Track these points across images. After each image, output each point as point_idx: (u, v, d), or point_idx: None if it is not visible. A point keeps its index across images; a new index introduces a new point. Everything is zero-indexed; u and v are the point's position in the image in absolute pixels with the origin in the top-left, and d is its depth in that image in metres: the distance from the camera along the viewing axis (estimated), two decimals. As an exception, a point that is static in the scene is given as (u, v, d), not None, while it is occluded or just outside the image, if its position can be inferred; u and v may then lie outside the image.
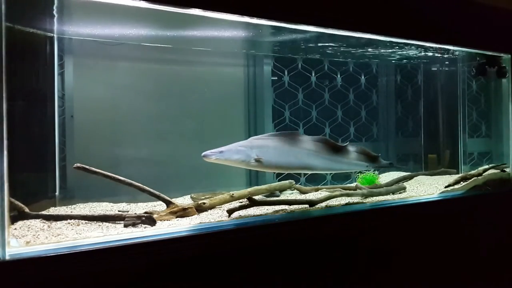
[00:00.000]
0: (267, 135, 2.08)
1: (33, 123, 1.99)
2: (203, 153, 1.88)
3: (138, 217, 1.67)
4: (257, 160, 1.93)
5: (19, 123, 1.72)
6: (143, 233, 1.57)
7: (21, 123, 1.78)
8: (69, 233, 1.54)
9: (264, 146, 1.99)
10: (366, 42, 2.49)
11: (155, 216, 1.72)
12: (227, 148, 1.93)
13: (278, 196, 2.36)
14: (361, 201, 2.23)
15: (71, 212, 1.90)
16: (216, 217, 1.82)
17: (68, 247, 1.40)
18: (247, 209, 1.91)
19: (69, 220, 1.66)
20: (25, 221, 1.62)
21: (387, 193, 2.40)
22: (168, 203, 1.85)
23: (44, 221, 1.65)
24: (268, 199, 2.21)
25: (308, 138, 2.13)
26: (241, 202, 2.00)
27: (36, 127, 2.02)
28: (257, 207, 1.94)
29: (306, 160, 2.10)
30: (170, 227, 1.66)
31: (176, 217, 1.80)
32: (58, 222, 1.65)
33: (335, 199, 2.17)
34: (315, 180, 2.91)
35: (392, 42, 2.49)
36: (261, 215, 1.90)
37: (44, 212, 1.72)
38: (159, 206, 1.96)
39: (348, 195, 2.25)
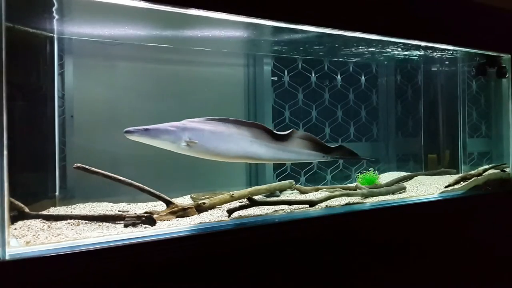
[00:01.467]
0: (204, 118, 1.92)
1: (33, 123, 1.99)
2: (126, 129, 1.74)
3: (138, 217, 1.67)
4: (189, 144, 1.81)
5: (19, 123, 1.72)
6: (143, 233, 1.57)
7: (21, 123, 1.79)
8: (69, 233, 1.54)
9: (199, 129, 1.86)
10: (367, 42, 2.49)
11: (155, 216, 1.72)
12: (154, 127, 1.80)
13: (278, 196, 2.35)
14: (361, 201, 2.23)
15: (71, 212, 1.90)
16: (216, 217, 1.82)
17: (68, 247, 1.40)
18: (247, 209, 1.91)
19: (69, 220, 1.66)
20: (25, 221, 1.62)
21: (387, 193, 2.40)
22: (168, 203, 1.85)
23: (44, 221, 1.65)
24: (268, 199, 2.21)
25: (252, 126, 1.99)
26: (241, 202, 2.00)
27: (36, 127, 2.02)
28: (257, 207, 1.94)
29: (249, 148, 1.96)
30: (170, 227, 1.66)
31: (176, 217, 1.80)
32: (58, 222, 1.65)
33: (335, 199, 2.17)
34: (315, 180, 2.91)
35: (392, 42, 2.49)
36: (261, 215, 1.90)
37: (44, 212, 1.73)
38: (159, 206, 1.96)
39: (348, 195, 2.25)
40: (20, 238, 1.46)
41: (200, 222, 1.72)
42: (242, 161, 2.01)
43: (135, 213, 1.71)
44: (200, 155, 1.90)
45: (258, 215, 1.89)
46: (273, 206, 1.99)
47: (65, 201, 2.03)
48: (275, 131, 2.05)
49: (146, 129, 1.77)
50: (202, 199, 2.14)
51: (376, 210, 2.14)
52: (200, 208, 1.91)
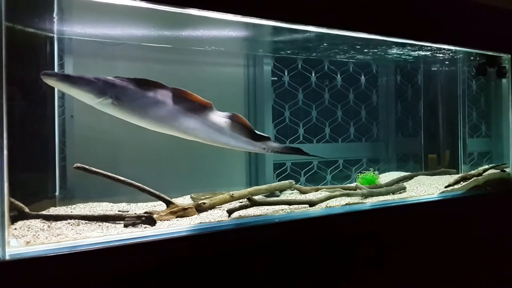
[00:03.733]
0: (139, 78, 1.75)
1: (33, 123, 1.99)
2: (44, 71, 1.59)
3: (138, 217, 1.67)
4: (114, 103, 1.67)
5: (19, 123, 1.72)
6: (143, 233, 1.57)
7: (21, 123, 1.79)
8: (69, 233, 1.54)
9: (128, 89, 1.70)
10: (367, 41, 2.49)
11: (155, 216, 1.72)
12: (77, 74, 1.66)
13: (278, 196, 2.35)
14: (361, 201, 2.23)
15: (71, 212, 1.90)
16: (216, 217, 1.82)
17: (68, 247, 1.41)
18: (247, 209, 1.91)
19: (69, 220, 1.66)
20: (25, 221, 1.62)
21: (387, 193, 2.39)
22: (168, 203, 1.85)
23: (44, 221, 1.64)
24: (268, 199, 2.21)
25: (193, 99, 1.82)
26: (241, 202, 2.00)
27: (36, 127, 2.02)
28: (257, 207, 1.94)
29: (184, 121, 1.80)
30: (170, 227, 1.66)
31: (176, 217, 1.80)
32: (58, 222, 1.65)
33: (335, 199, 2.17)
34: (314, 180, 2.91)
35: (392, 42, 2.49)
36: (261, 215, 1.90)
37: (44, 212, 1.72)
38: (159, 206, 1.96)
39: (348, 195, 2.25)
40: (20, 238, 1.46)
41: (200, 222, 1.72)
42: (171, 134, 1.83)
43: (135, 213, 1.70)
44: (124, 117, 1.76)
45: (258, 215, 1.89)
46: (273, 206, 1.99)
47: (65, 201, 2.03)
48: (218, 111, 1.90)
49: (67, 75, 1.65)
50: (202, 199, 2.13)
51: (376, 210, 2.14)
52: (200, 208, 1.91)
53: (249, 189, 2.21)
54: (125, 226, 1.65)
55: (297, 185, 2.47)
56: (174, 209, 1.82)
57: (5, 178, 1.34)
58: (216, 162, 2.58)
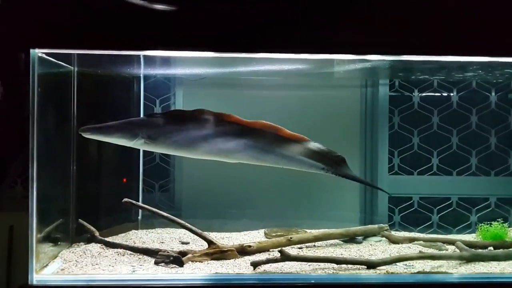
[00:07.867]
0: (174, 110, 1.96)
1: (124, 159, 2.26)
2: (81, 128, 1.79)
3: (168, 256, 1.74)
4: (147, 142, 1.81)
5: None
6: (155, 275, 1.64)
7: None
8: (106, 263, 1.73)
9: (160, 126, 1.82)
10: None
11: (189, 256, 1.76)
12: (107, 124, 1.81)
13: (359, 242, 2.06)
14: (448, 270, 1.70)
15: (146, 235, 2.13)
16: (242, 267, 1.71)
17: (85, 280, 1.60)
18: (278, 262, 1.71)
19: (118, 250, 1.87)
20: (87, 244, 1.91)
21: (506, 259, 1.79)
22: (210, 243, 1.85)
23: (103, 246, 1.90)
24: (306, 255, 1.85)
25: (234, 120, 1.86)
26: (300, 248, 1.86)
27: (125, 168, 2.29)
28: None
29: (222, 145, 1.85)
30: (189, 274, 1.64)
31: (211, 259, 1.79)
32: (111, 249, 1.88)
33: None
34: (416, 220, 2.41)
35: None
36: (294, 272, 1.68)
37: (108, 239, 1.96)
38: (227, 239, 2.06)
39: (433, 257, 1.78)
40: (66, 262, 1.73)
41: (216, 273, 1.65)
42: (215, 159, 1.90)
43: (167, 251, 1.77)
44: (162, 151, 2.02)
45: (290, 273, 1.67)
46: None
47: (147, 225, 2.25)
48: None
49: (99, 128, 1.81)
50: (273, 236, 2.07)
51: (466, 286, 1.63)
52: (244, 251, 1.85)
53: (316, 232, 2.02)
54: (156, 263, 1.74)
55: (388, 232, 2.09)
56: (211, 250, 1.82)
57: (34, 207, 1.56)
58: (327, 195, 2.41)
